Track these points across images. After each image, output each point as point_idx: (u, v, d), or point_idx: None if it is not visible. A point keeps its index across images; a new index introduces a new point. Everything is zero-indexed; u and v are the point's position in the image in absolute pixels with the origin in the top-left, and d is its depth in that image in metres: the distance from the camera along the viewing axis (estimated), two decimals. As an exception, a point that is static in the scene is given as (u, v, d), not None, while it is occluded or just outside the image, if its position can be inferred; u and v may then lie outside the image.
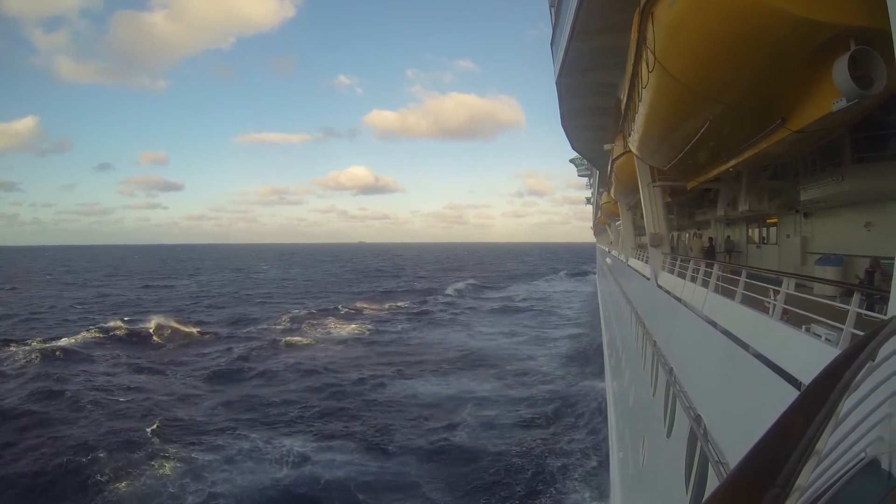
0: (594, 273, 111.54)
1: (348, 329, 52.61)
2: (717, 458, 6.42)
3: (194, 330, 49.80)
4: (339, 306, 66.21)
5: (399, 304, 71.00)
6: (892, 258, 8.57)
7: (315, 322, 55.45)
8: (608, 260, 48.61)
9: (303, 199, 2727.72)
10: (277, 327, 52.70)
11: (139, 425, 24.79)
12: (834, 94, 6.42)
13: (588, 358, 39.47)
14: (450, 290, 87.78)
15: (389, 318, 60.69)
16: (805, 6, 5.75)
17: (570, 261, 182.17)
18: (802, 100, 7.53)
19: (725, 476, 1.65)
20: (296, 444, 23.31)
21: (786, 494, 1.23)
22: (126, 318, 52.58)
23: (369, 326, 54.19)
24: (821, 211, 14.31)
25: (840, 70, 5.94)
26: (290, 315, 58.54)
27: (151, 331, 47.60)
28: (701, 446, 7.21)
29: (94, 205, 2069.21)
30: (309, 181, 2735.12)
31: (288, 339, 46.31)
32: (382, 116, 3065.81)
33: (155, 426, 24.56)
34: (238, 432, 24.58)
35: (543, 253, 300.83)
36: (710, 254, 18.22)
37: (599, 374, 33.11)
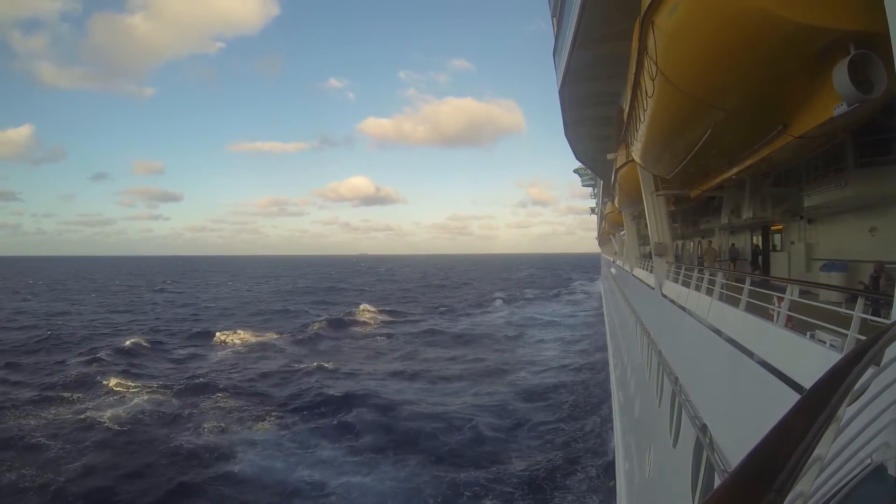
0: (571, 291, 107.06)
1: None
2: (723, 468, 6.34)
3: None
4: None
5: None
6: None
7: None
8: (613, 270, 48.48)
9: (304, 210, 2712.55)
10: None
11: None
12: (835, 99, 6.41)
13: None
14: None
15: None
16: (804, 12, 5.76)
17: (561, 275, 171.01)
18: (803, 105, 7.53)
19: (723, 479, 1.62)
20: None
21: (783, 498, 1.21)
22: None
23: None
24: (825, 217, 14.25)
25: (840, 75, 5.92)
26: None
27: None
28: (707, 455, 7.14)
29: (95, 215, 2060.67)
30: (308, 192, 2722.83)
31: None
32: (378, 123, 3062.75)
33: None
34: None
35: (541, 265, 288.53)
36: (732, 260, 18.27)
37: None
